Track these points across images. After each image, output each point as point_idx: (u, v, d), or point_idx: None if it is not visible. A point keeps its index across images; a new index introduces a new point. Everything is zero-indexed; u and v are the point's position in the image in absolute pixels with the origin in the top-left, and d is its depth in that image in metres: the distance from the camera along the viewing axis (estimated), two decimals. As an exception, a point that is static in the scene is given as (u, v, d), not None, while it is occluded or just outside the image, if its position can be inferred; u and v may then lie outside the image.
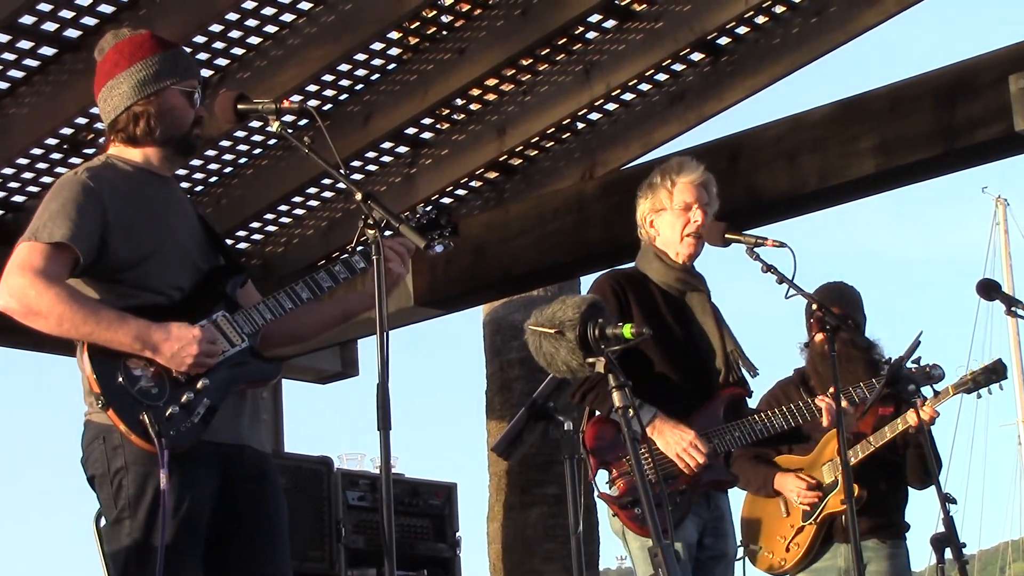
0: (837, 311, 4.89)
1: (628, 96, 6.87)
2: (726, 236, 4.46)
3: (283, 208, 7.32)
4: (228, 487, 3.55)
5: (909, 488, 5.48)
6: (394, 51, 6.37)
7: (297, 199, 7.26)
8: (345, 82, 6.46)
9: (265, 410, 3.93)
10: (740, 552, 5.18)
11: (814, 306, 4.73)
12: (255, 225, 7.41)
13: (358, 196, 3.38)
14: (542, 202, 6.95)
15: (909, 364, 4.78)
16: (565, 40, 6.44)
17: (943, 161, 5.93)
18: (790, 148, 6.19)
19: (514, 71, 6.61)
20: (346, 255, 3.72)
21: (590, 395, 4.28)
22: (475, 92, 6.69)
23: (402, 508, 6.90)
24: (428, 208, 3.90)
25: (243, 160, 6.94)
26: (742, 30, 6.55)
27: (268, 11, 5.90)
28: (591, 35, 6.46)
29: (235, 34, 5.97)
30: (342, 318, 3.86)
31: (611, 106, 6.93)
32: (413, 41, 6.37)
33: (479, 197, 7.45)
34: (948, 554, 4.80)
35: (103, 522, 3.59)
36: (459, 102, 6.74)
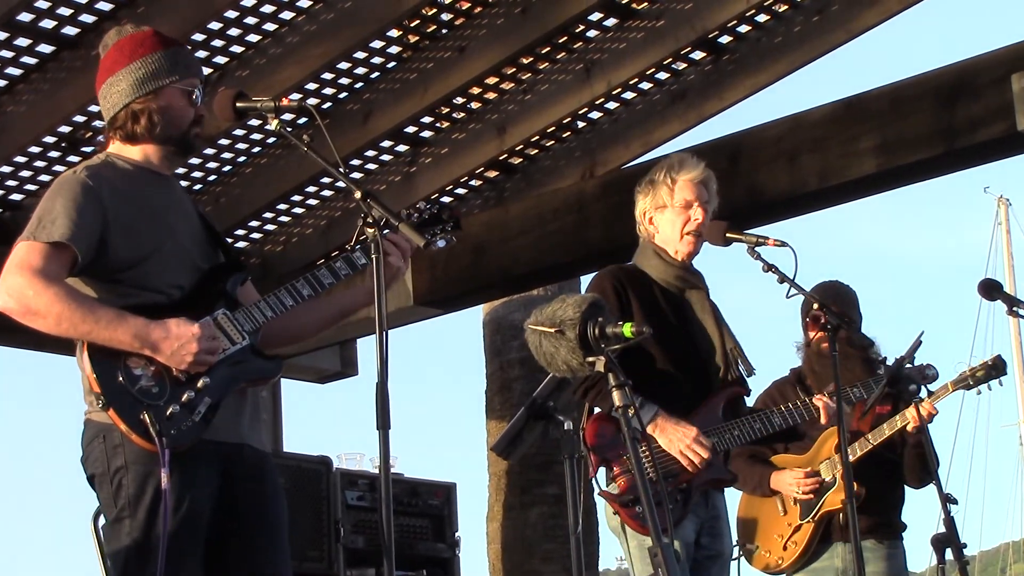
0: (835, 310, 4.89)
1: (629, 95, 6.87)
2: (727, 235, 4.46)
3: (282, 207, 7.31)
4: (228, 486, 3.54)
5: (906, 488, 5.47)
6: (394, 49, 6.36)
7: (296, 198, 7.25)
8: (345, 80, 6.45)
9: (264, 409, 3.93)
10: (736, 552, 5.18)
11: (815, 305, 4.73)
12: (254, 224, 7.40)
13: (357, 195, 3.38)
14: (542, 201, 6.94)
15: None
16: (566, 38, 6.43)
17: (944, 161, 5.92)
18: (791, 148, 6.18)
19: (514, 69, 6.60)
20: (347, 251, 3.71)
21: (591, 392, 4.27)
22: (475, 90, 6.68)
23: (401, 508, 6.89)
24: (429, 203, 3.89)
25: (242, 159, 6.93)
26: (743, 28, 6.55)
27: (267, 9, 5.89)
28: (592, 33, 6.45)
29: (234, 32, 5.96)
30: (340, 315, 3.85)
31: (612, 105, 6.92)
32: (413, 39, 6.36)
33: (479, 196, 7.44)
34: (949, 555, 4.79)
35: (102, 521, 3.59)
36: (459, 100, 6.74)
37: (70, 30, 5.76)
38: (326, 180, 7.08)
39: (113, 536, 3.47)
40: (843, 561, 5.28)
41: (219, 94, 3.57)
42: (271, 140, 6.78)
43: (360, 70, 6.42)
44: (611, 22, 6.39)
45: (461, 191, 7.42)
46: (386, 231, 3.49)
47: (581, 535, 3.56)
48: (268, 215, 7.35)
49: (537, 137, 6.95)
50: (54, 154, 6.50)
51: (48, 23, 5.69)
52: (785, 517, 5.36)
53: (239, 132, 6.67)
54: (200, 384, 3.45)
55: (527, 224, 6.89)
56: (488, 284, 7.16)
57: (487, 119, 6.84)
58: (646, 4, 6.32)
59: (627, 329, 3.29)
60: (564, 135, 7.10)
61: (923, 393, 5.08)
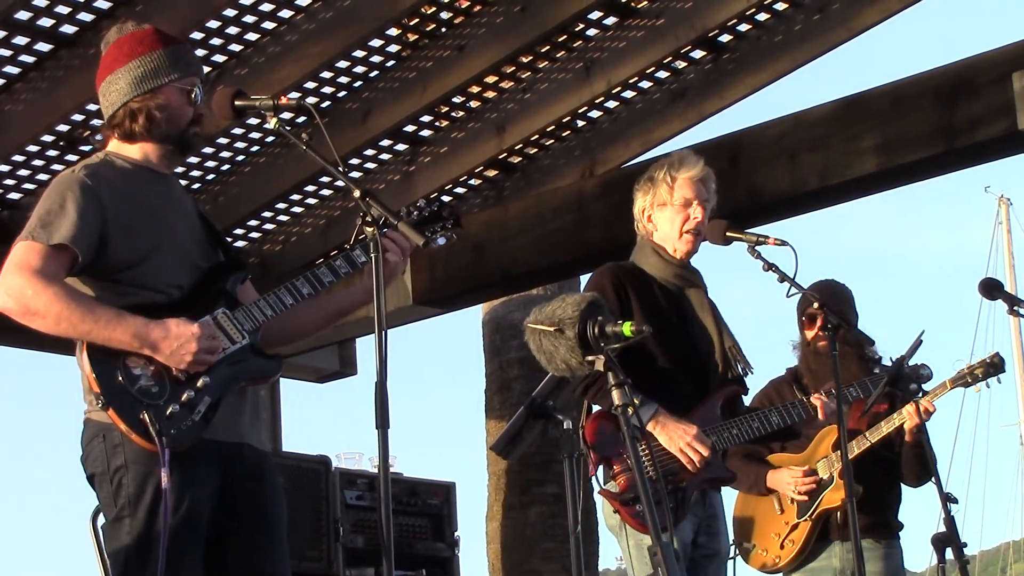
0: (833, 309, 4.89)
1: (629, 94, 6.86)
2: (727, 234, 4.46)
3: (281, 206, 7.30)
4: (228, 486, 3.54)
5: (903, 488, 5.46)
6: (393, 48, 6.35)
7: (295, 197, 7.25)
8: (343, 79, 6.44)
9: (263, 409, 3.92)
10: (733, 551, 5.17)
11: (815, 304, 4.72)
12: (253, 223, 7.39)
13: (356, 194, 3.37)
14: (542, 200, 6.94)
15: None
16: (565, 37, 6.43)
17: (944, 160, 5.92)
18: (791, 147, 6.18)
19: (514, 68, 6.59)
20: (347, 249, 3.70)
21: (591, 389, 4.26)
22: (474, 89, 6.68)
23: (400, 507, 6.89)
24: (429, 201, 3.88)
25: (240, 158, 6.92)
26: (744, 27, 6.54)
27: (266, 7, 5.88)
28: (591, 32, 6.44)
29: (232, 30, 5.95)
30: (339, 314, 3.84)
31: (611, 104, 6.91)
32: (412, 38, 6.36)
33: (478, 195, 7.43)
34: (949, 554, 4.79)
35: (101, 520, 3.58)
36: (458, 99, 6.73)
37: (68, 28, 5.75)
38: (325, 179, 7.07)
39: (113, 535, 3.47)
40: (841, 561, 5.27)
41: (218, 93, 3.56)
42: (270, 139, 6.78)
43: (359, 69, 6.41)
44: (611, 20, 6.39)
45: (460, 190, 7.41)
46: (385, 229, 3.48)
47: (580, 534, 3.55)
48: (267, 214, 7.34)
49: (537, 136, 6.95)
50: (52, 153, 6.49)
51: (46, 21, 5.68)
52: (782, 516, 5.35)
53: (238, 131, 6.66)
54: (200, 383, 3.45)
55: (527, 223, 6.88)
56: (487, 283, 7.16)
57: (486, 118, 6.84)
58: (646, 3, 6.32)
59: (627, 328, 3.28)
60: (564, 134, 7.10)
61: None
